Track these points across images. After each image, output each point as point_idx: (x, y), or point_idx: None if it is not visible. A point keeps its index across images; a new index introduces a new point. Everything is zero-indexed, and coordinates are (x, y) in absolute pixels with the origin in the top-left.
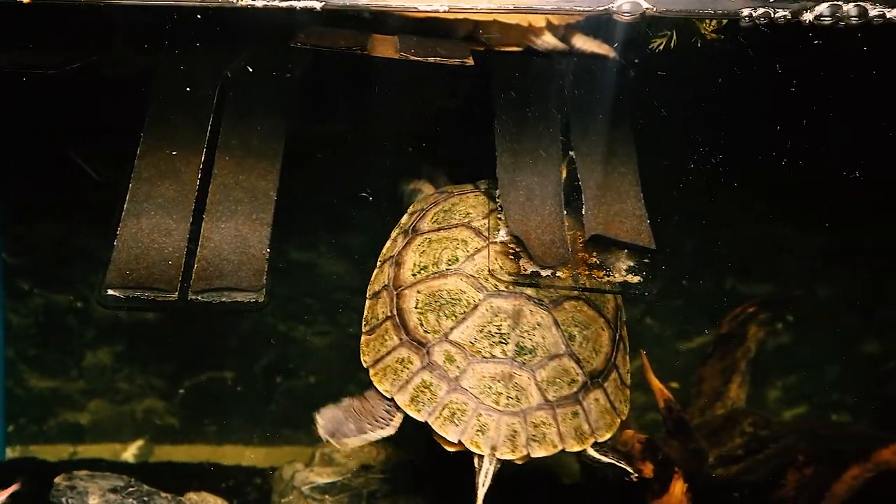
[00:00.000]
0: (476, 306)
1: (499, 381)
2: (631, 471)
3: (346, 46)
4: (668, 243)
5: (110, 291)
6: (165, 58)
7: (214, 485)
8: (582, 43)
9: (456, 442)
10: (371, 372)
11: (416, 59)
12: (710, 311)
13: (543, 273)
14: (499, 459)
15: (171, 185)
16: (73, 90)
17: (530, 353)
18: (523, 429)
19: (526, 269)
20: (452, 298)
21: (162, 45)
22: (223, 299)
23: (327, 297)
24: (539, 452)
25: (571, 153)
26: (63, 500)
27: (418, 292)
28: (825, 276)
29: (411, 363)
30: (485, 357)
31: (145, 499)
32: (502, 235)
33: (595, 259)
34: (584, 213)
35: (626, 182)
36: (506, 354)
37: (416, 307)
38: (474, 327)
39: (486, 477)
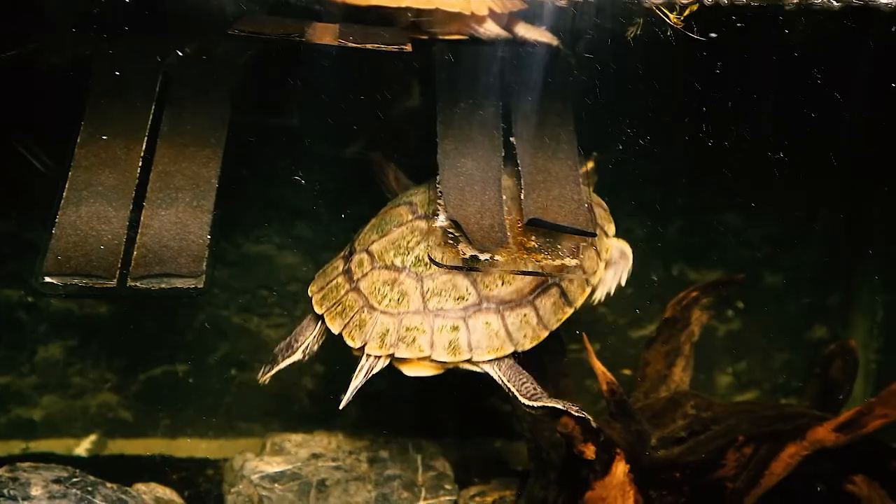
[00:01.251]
0: (401, 224)
1: (388, 285)
2: (570, 408)
3: (284, 34)
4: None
5: (47, 279)
6: (106, 46)
7: (166, 476)
8: (524, 31)
9: (337, 334)
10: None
11: (354, 45)
12: (662, 298)
13: (482, 257)
14: (382, 358)
15: (111, 173)
16: (14, 79)
17: (426, 265)
18: (395, 329)
19: (465, 253)
20: (389, 220)
21: (102, 33)
22: (162, 286)
23: (282, 289)
24: (404, 353)
25: (512, 139)
26: (4, 491)
27: (369, 228)
28: (774, 263)
29: (336, 269)
30: (386, 265)
31: (89, 489)
32: (441, 220)
33: (534, 243)
34: (522, 197)
35: (565, 167)
36: (404, 264)
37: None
38: (389, 240)
39: (360, 372)
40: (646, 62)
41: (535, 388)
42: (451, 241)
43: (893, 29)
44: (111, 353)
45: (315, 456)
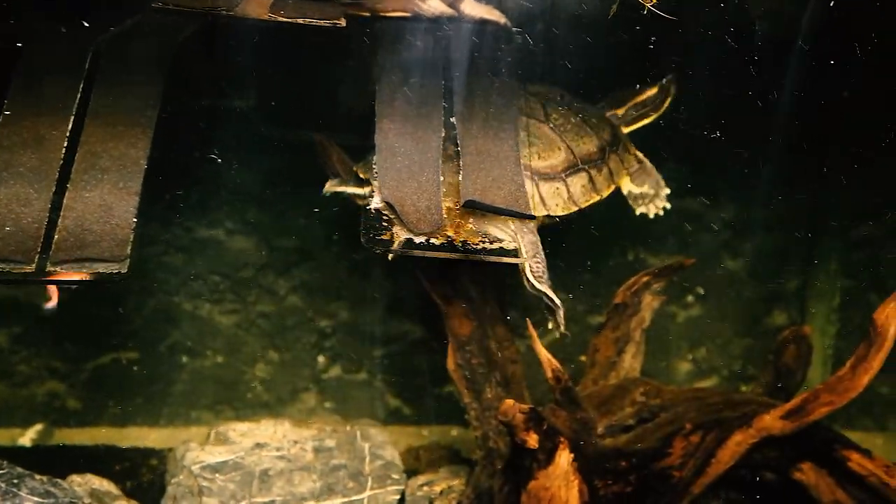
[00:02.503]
0: None
1: None
2: (559, 313)
3: (212, 7)
4: (577, 216)
5: None
6: (34, 22)
7: (108, 467)
8: (471, 9)
9: None
10: None
11: (285, 20)
12: (621, 284)
13: (417, 240)
14: None
15: (34, 153)
16: None
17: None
18: None
19: (399, 236)
20: None
21: (30, 9)
22: (84, 270)
23: (234, 275)
24: None
25: (453, 119)
26: None
27: None
28: (734, 249)
29: None
30: None
31: (15, 481)
32: (376, 202)
33: (471, 225)
34: (461, 179)
35: (506, 147)
36: None
37: None
38: None
39: None
40: (598, 40)
41: (543, 271)
42: (386, 224)
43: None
44: (58, 341)
45: (259, 445)
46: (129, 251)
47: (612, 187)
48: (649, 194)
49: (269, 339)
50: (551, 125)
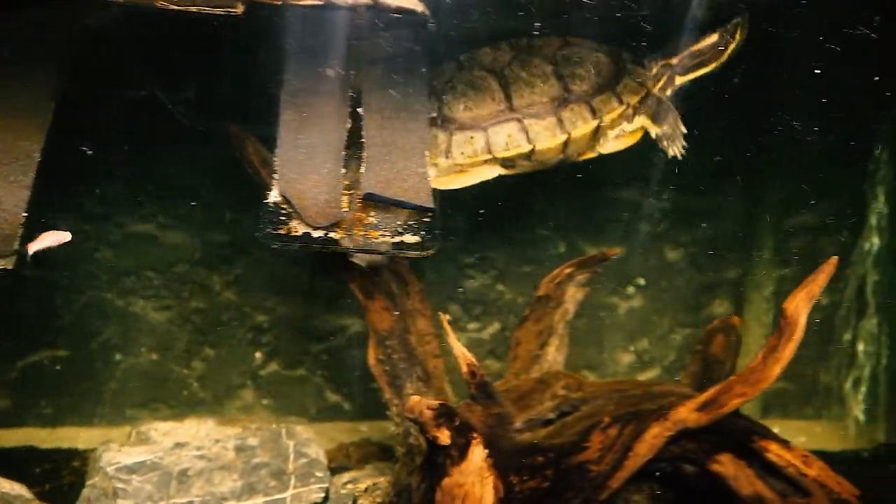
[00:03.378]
0: None
1: None
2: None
3: None
4: (513, 206)
5: None
6: None
7: (29, 470)
8: None
9: None
10: None
11: (175, 8)
12: None
13: (315, 234)
14: None
15: None
16: None
17: None
18: None
19: (297, 231)
20: None
21: None
22: None
23: (168, 270)
24: None
25: (360, 110)
26: None
27: None
28: (675, 239)
29: None
30: None
31: None
32: (273, 195)
33: (372, 219)
34: (363, 171)
35: (413, 138)
36: None
37: None
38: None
39: None
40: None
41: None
42: (284, 218)
43: None
44: None
45: (179, 445)
46: (16, 246)
47: (595, 123)
48: (668, 133)
49: (204, 335)
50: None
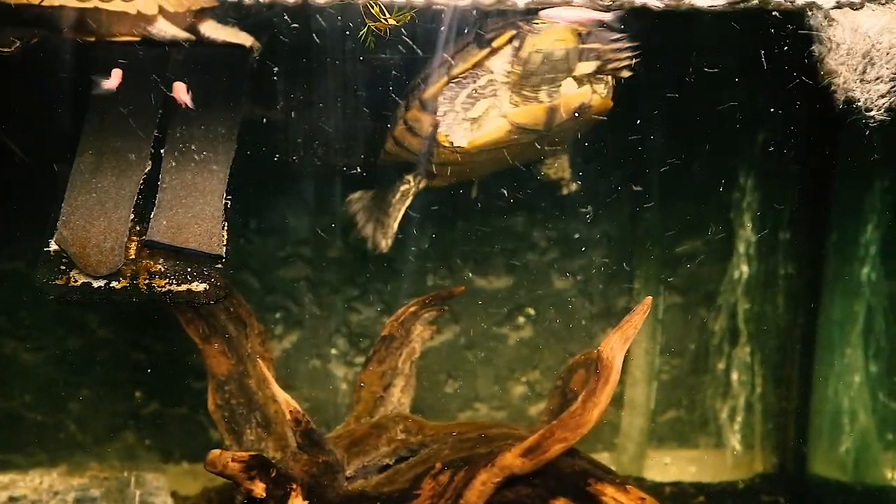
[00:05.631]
0: None
1: None
2: None
3: None
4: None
5: None
6: None
7: None
8: (212, 31)
9: None
10: None
11: None
12: (450, 307)
13: (95, 284)
14: None
15: None
16: None
17: None
18: None
19: (76, 281)
20: None
21: None
22: None
23: (41, 309)
24: None
25: (161, 150)
26: None
27: None
28: (563, 268)
29: None
30: None
31: None
32: (52, 245)
33: (160, 266)
34: (152, 216)
35: (213, 181)
36: None
37: None
38: None
39: None
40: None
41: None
42: (64, 267)
43: None
44: None
45: (13, 500)
46: None
47: None
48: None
49: (80, 375)
50: None
